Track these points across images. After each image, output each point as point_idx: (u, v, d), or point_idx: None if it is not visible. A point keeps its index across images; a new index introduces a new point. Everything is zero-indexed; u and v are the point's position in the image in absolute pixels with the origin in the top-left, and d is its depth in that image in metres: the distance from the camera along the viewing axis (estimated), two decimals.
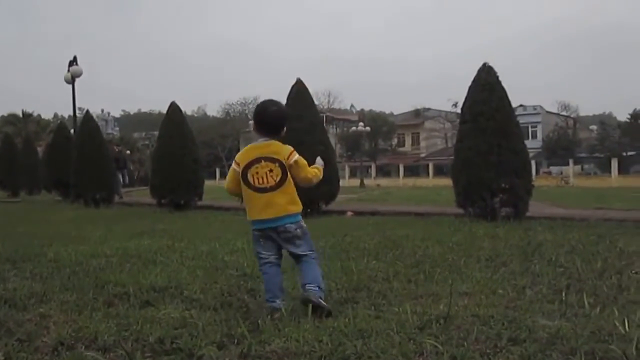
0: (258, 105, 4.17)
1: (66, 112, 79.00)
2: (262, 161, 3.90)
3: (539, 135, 64.85)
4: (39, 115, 72.86)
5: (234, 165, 3.98)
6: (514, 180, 10.26)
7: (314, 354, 2.82)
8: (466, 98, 10.92)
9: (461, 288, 4.40)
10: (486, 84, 10.55)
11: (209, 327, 3.33)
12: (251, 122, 4.05)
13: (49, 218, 13.93)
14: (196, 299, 4.15)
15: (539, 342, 2.99)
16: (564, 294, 4.09)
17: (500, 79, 10.70)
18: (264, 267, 3.97)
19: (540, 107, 68.47)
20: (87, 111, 21.10)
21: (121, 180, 24.08)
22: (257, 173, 3.88)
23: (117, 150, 25.12)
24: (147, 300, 4.13)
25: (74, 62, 24.00)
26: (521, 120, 11.32)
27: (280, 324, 3.37)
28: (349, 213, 13.29)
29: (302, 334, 3.10)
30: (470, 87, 10.81)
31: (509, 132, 10.42)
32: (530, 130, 62.28)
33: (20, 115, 67.07)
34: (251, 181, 3.88)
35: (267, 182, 3.88)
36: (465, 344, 2.94)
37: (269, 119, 4.08)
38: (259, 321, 3.44)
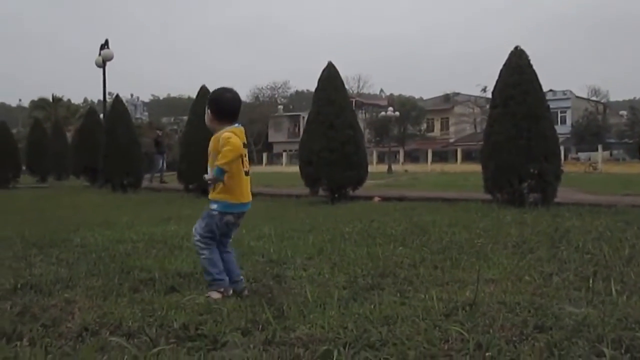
0: (224, 95, 4.07)
1: (96, 96, 79.95)
2: (244, 146, 3.94)
3: (568, 120, 63.81)
4: (69, 100, 73.64)
5: (238, 146, 3.84)
6: (543, 165, 10.13)
7: (339, 340, 2.81)
8: (497, 82, 10.77)
9: (487, 275, 4.36)
10: (517, 68, 10.41)
11: (233, 313, 3.33)
12: (207, 110, 3.92)
13: (77, 203, 14.12)
14: None
15: (566, 329, 2.96)
16: (591, 281, 4.04)
17: (531, 62, 10.55)
18: (216, 252, 3.97)
19: (570, 92, 67.33)
20: (117, 95, 21.23)
21: (161, 164, 24.26)
22: (245, 157, 3.96)
23: (158, 134, 25.21)
24: (172, 286, 4.15)
25: (105, 45, 24.14)
26: (550, 105, 11.12)
27: (305, 310, 3.37)
28: (376, 198, 13.25)
29: (327, 321, 3.09)
30: (501, 71, 10.67)
31: (540, 116, 10.27)
32: (559, 115, 61.34)
33: (51, 100, 67.80)
34: (242, 164, 3.94)
35: (248, 167, 4.06)
36: (491, 331, 2.91)
37: (239, 104, 4.14)
38: (284, 307, 3.45)
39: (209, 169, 3.93)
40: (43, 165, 31.40)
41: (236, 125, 3.94)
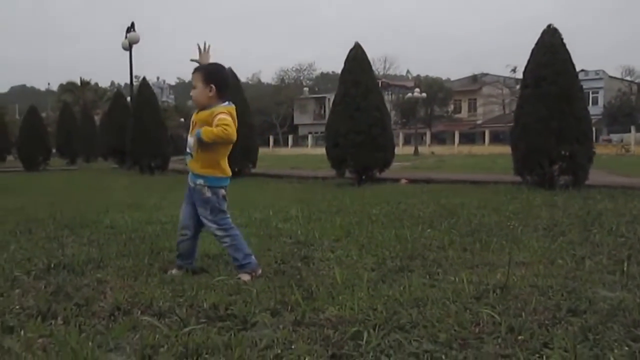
0: (221, 70, 4.05)
1: (122, 79, 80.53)
2: None
3: (600, 101, 62.66)
4: (97, 84, 74.35)
5: (234, 132, 3.83)
6: (575, 147, 9.97)
7: (369, 322, 2.80)
8: (528, 61, 10.59)
9: (518, 257, 4.31)
10: (550, 47, 10.22)
11: (262, 294, 3.34)
12: (209, 88, 3.85)
13: (106, 185, 14.28)
14: None
15: (600, 313, 2.91)
16: (625, 265, 3.96)
17: (564, 41, 10.35)
18: (237, 233, 4.04)
19: (603, 71, 66.06)
20: (144, 78, 21.34)
21: None
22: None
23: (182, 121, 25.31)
24: (201, 267, 4.18)
25: (131, 28, 24.26)
26: (582, 85, 10.91)
27: (334, 292, 3.36)
28: (403, 181, 13.20)
29: (356, 302, 3.08)
30: (533, 50, 10.49)
31: (572, 96, 10.10)
32: (591, 96, 60.24)
33: (79, 84, 68.48)
34: None
35: None
36: (523, 314, 2.88)
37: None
38: (313, 289, 3.45)
39: (189, 138, 3.95)
40: (72, 148, 31.85)
41: (230, 103, 3.94)
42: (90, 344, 2.52)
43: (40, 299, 3.26)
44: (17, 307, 3.13)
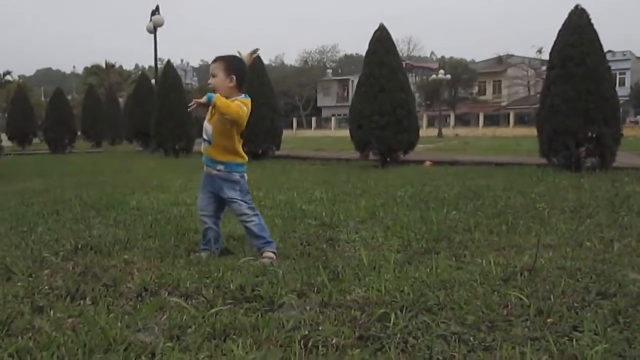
0: (242, 63, 4.05)
1: (147, 62, 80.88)
2: None
3: (627, 82, 61.57)
4: (121, 66, 74.80)
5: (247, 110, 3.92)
6: (602, 128, 9.84)
7: (396, 303, 2.79)
8: (555, 42, 10.43)
9: (545, 240, 4.26)
10: (577, 27, 10.07)
11: (288, 276, 3.34)
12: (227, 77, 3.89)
13: (131, 167, 14.39)
14: (275, 248, 4.17)
15: (630, 296, 2.87)
16: None
17: (592, 22, 10.18)
18: (260, 216, 4.12)
19: (630, 52, 64.87)
20: (169, 61, 21.38)
21: None
22: None
23: None
24: (227, 248, 4.19)
25: (156, 11, 24.31)
26: (610, 66, 10.72)
27: (360, 273, 3.35)
28: (428, 162, 13.14)
29: (382, 284, 3.07)
30: (560, 31, 10.33)
31: (600, 77, 9.94)
32: (618, 77, 59.16)
33: (103, 66, 68.92)
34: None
35: None
36: (552, 297, 2.85)
37: None
38: (339, 270, 3.44)
39: (206, 124, 3.96)
40: (97, 131, 32.14)
41: (247, 96, 3.98)
42: (118, 324, 2.54)
43: (69, 280, 3.29)
44: (46, 287, 3.16)
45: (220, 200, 4.04)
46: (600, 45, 10.18)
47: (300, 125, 66.00)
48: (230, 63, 3.96)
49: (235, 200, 3.97)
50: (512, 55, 71.17)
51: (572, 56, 9.93)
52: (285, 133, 19.28)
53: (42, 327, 2.51)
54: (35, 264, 3.75)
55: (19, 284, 3.25)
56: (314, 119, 68.42)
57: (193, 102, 3.86)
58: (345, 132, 14.25)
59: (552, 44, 10.52)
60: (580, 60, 9.85)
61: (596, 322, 2.52)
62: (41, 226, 5.18)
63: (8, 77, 60.45)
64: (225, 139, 3.94)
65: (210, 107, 3.86)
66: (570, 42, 10.02)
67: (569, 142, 9.97)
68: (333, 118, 65.49)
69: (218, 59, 3.98)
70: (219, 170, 3.96)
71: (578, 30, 10.02)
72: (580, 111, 9.79)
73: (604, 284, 3.07)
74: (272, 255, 3.86)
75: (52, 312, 2.75)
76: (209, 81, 3.99)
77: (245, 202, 4.00)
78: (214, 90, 3.87)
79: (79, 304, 2.91)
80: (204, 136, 3.98)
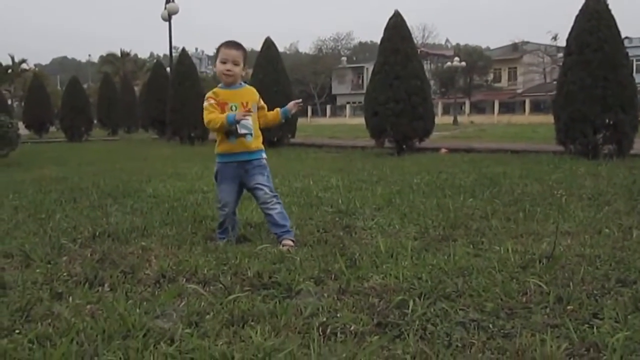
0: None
1: (161, 50, 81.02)
2: None
3: None
4: (136, 55, 75.00)
5: None
6: (620, 115, 9.74)
7: (414, 291, 2.77)
8: (572, 28, 10.32)
9: (563, 227, 4.22)
10: (594, 13, 9.94)
11: (306, 263, 3.34)
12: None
13: (147, 155, 14.44)
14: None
15: None
16: None
17: (609, 7, 10.05)
18: None
19: None
20: (183, 49, 21.40)
21: None
22: None
23: None
24: (244, 235, 4.20)
25: None
26: (628, 52, 10.58)
27: (378, 260, 3.34)
28: (443, 150, 13.09)
29: (400, 271, 3.06)
30: (577, 17, 10.22)
31: (617, 63, 9.83)
32: (635, 63, 58.35)
33: (119, 55, 69.13)
34: None
35: None
36: (571, 284, 2.82)
37: None
38: (356, 257, 3.43)
39: (244, 121, 3.88)
40: (113, 119, 32.32)
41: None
42: (137, 310, 2.55)
43: (87, 267, 3.30)
44: (65, 274, 3.18)
45: (242, 189, 4.10)
46: (618, 32, 10.05)
47: (315, 114, 65.92)
48: (244, 50, 4.03)
49: (263, 186, 3.98)
50: (527, 42, 70.49)
51: (589, 42, 9.82)
52: (300, 121, 19.26)
53: (62, 314, 2.53)
54: (53, 250, 3.78)
55: (37, 270, 3.27)
56: (328, 107, 68.23)
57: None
58: (360, 120, 14.21)
59: (568, 30, 10.41)
60: (597, 47, 9.75)
61: (616, 309, 2.49)
62: (59, 213, 5.21)
63: (24, 66, 60.77)
64: (259, 128, 4.08)
65: (244, 104, 3.97)
66: (588, 28, 9.91)
67: (586, 129, 9.88)
68: (348, 106, 65.32)
69: (241, 47, 4.00)
70: (265, 159, 4.08)
71: (595, 16, 9.90)
72: (597, 98, 9.69)
73: (624, 272, 3.05)
74: (291, 243, 3.85)
75: (71, 298, 2.76)
76: (228, 67, 3.92)
77: (271, 189, 4.03)
78: (232, 77, 3.95)
79: (98, 290, 2.93)
80: (243, 131, 3.90)
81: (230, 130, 3.91)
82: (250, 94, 4.06)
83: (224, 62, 3.92)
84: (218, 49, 4.04)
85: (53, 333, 2.31)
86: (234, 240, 4.00)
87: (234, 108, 3.91)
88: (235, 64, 3.92)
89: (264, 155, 4.09)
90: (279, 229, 3.94)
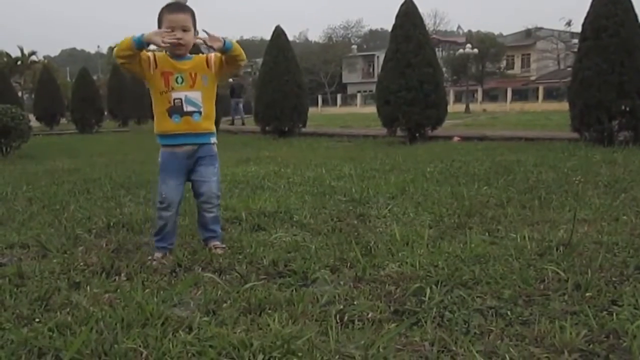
0: None
1: None
2: None
3: None
4: None
5: None
6: (636, 102, 9.62)
7: (430, 278, 2.77)
8: (588, 13, 10.18)
9: (580, 214, 4.18)
10: None
11: (321, 251, 3.33)
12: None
13: (158, 146, 14.40)
14: (306, 224, 4.16)
15: None
16: None
17: None
18: None
19: None
20: None
21: (238, 109, 24.70)
22: None
23: (231, 80, 25.38)
24: (258, 224, 4.20)
25: None
26: None
27: (393, 249, 3.34)
28: (456, 138, 13.02)
29: (416, 259, 3.05)
30: (593, 1, 10.07)
31: (634, 49, 9.68)
32: None
33: None
34: None
35: None
36: (589, 271, 2.80)
37: None
38: (371, 245, 3.43)
39: (189, 94, 3.31)
40: (123, 110, 32.35)
41: None
42: (155, 299, 2.56)
43: (103, 256, 3.32)
44: (82, 264, 3.20)
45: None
46: (635, 16, 9.90)
47: (325, 103, 65.69)
48: (192, 13, 3.34)
49: (210, 181, 3.48)
50: (541, 28, 69.88)
51: (605, 27, 9.69)
52: (311, 110, 19.19)
53: (80, 302, 2.54)
54: (69, 241, 3.80)
55: (54, 260, 3.30)
56: (339, 96, 67.99)
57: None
58: (371, 109, 14.15)
59: (583, 15, 10.28)
60: (614, 32, 9.62)
61: (636, 296, 2.48)
62: (73, 204, 5.23)
63: (33, 58, 60.87)
64: (212, 105, 3.41)
65: (192, 75, 3.31)
66: (604, 12, 9.78)
67: (601, 115, 9.78)
68: (358, 94, 65.03)
69: (187, 10, 3.30)
70: (213, 144, 3.47)
71: (612, 0, 9.77)
72: (613, 84, 9.59)
73: None
74: (222, 246, 3.47)
75: (88, 287, 2.78)
76: (178, 35, 3.21)
77: (217, 187, 3.53)
78: (183, 47, 3.29)
79: (115, 279, 2.94)
80: (190, 108, 3.32)
81: (174, 108, 3.30)
82: (199, 61, 3.36)
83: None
84: (160, 16, 3.29)
85: (72, 322, 2.32)
86: (172, 249, 3.43)
87: (179, 80, 3.29)
88: (185, 30, 3.24)
89: (214, 140, 3.46)
90: (209, 233, 3.53)
